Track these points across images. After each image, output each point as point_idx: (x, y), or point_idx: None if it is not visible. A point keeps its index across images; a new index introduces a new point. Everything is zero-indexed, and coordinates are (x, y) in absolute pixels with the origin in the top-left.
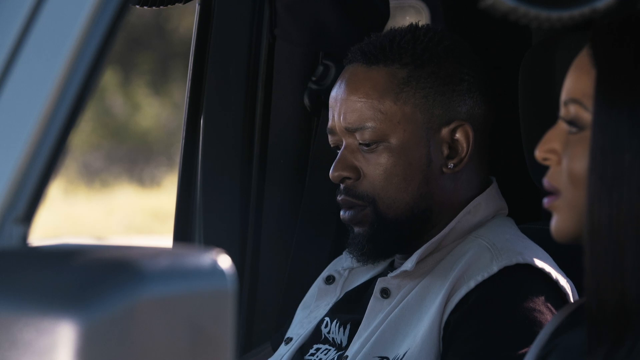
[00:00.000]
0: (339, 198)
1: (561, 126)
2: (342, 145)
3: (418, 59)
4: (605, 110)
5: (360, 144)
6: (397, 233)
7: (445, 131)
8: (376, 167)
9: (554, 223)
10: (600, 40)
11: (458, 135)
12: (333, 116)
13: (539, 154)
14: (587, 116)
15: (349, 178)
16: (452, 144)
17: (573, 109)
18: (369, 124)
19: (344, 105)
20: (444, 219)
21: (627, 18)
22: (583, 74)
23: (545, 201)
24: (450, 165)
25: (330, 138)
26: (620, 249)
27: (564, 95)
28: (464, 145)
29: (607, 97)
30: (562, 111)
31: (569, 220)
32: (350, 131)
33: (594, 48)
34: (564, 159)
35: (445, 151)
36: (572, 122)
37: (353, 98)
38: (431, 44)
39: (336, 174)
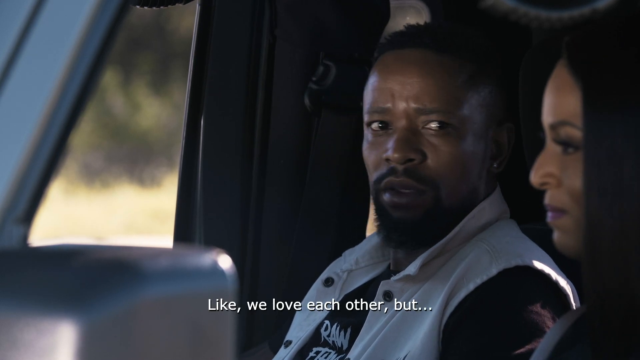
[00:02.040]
0: (395, 179)
1: (552, 148)
2: (390, 126)
3: (483, 54)
4: (597, 126)
5: (427, 127)
6: (448, 221)
7: (496, 130)
8: (444, 152)
9: (560, 239)
10: (577, 55)
11: (503, 135)
12: (392, 97)
13: (535, 179)
14: (580, 135)
15: (411, 160)
16: (496, 144)
17: (564, 131)
18: (446, 108)
19: (417, 88)
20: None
21: (597, 28)
22: (566, 92)
23: (550, 216)
24: (495, 164)
25: (373, 117)
26: (625, 260)
27: (550, 118)
28: (506, 146)
29: (597, 112)
30: (551, 134)
31: (577, 238)
32: (423, 114)
33: (572, 63)
34: (564, 180)
35: (493, 150)
36: (565, 144)
37: (428, 81)
38: (486, 44)
39: (402, 154)
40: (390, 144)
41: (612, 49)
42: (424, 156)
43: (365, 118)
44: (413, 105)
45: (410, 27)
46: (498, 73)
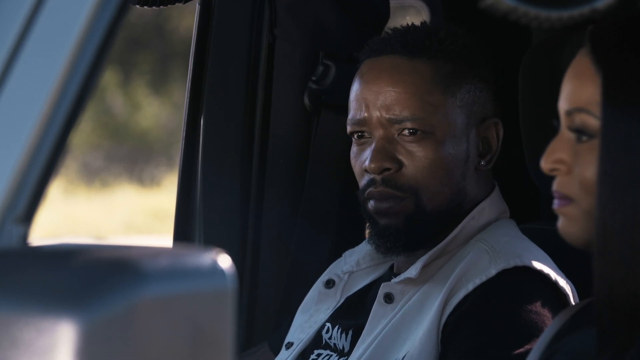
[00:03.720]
0: (374, 190)
1: (566, 135)
2: (369, 135)
3: (459, 54)
4: (615, 115)
5: (403, 135)
6: (433, 225)
7: (481, 128)
8: (421, 158)
9: (564, 227)
10: (600, 44)
11: (491, 132)
12: (366, 107)
13: (545, 165)
14: (596, 123)
15: (388, 169)
16: (484, 141)
17: (579, 118)
18: (418, 116)
19: (389, 97)
20: (466, 216)
21: (624, 19)
22: (586, 80)
23: (556, 204)
24: (483, 162)
25: (353, 127)
26: (634, 252)
27: (566, 105)
28: (495, 142)
29: (616, 102)
30: (566, 121)
31: (583, 227)
32: (395, 123)
33: (595, 52)
34: (575, 168)
35: (480, 147)
36: (580, 131)
37: (398, 89)
38: (465, 42)
39: (377, 164)
40: (368, 154)
41: (636, 41)
42: (401, 164)
43: (348, 129)
44: (385, 115)
45: (386, 33)
46: (480, 69)
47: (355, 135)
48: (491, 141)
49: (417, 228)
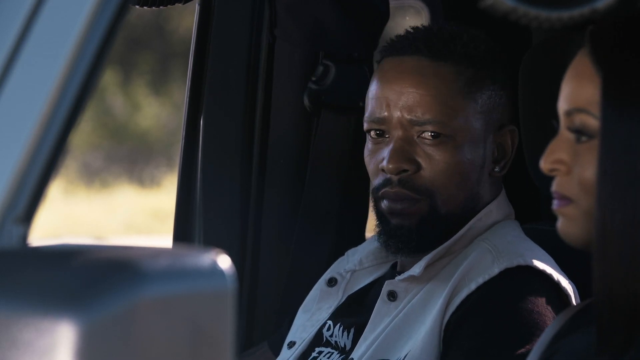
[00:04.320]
0: (390, 190)
1: (566, 135)
2: (387, 134)
3: (481, 60)
4: (615, 115)
5: (422, 137)
6: (445, 228)
7: (498, 134)
8: (439, 162)
9: (564, 227)
10: (600, 44)
11: (506, 139)
12: (387, 106)
13: (545, 165)
14: (596, 123)
15: (405, 170)
16: (500, 147)
17: (579, 119)
18: (440, 119)
19: (411, 98)
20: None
21: (624, 19)
22: (585, 81)
23: (556, 204)
24: (497, 168)
25: (371, 125)
26: (634, 252)
27: (565, 105)
28: (509, 149)
29: (616, 102)
30: (566, 121)
31: (582, 227)
32: (416, 125)
33: (595, 52)
34: (574, 168)
35: (495, 154)
36: (579, 132)
37: (421, 92)
38: (487, 47)
39: (396, 165)
40: (386, 153)
41: (636, 41)
42: (418, 166)
43: (365, 126)
44: (407, 116)
45: (409, 32)
46: (500, 76)
47: (372, 133)
48: (506, 148)
49: (429, 230)
